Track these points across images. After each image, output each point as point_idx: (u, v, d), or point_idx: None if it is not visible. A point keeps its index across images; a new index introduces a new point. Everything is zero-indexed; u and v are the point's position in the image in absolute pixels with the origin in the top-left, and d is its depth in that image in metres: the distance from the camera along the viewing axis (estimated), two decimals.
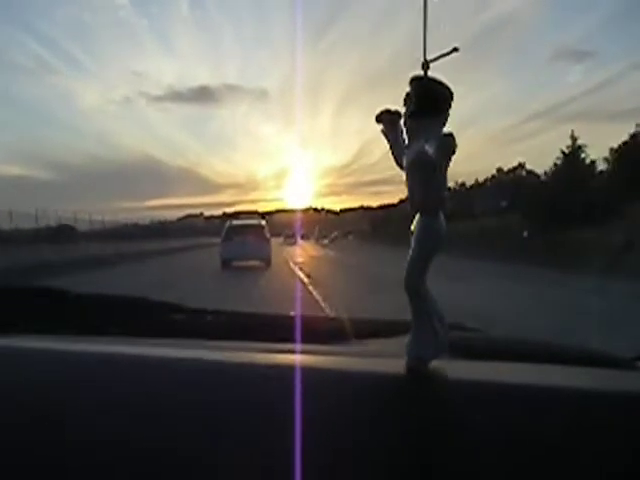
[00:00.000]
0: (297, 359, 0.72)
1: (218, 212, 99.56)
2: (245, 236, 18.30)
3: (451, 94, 0.56)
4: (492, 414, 0.56)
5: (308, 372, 0.62)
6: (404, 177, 0.58)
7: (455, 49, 0.56)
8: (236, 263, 17.89)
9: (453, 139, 0.54)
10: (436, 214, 0.58)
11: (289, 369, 0.63)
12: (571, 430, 0.55)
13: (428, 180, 0.57)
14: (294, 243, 34.90)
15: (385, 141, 0.60)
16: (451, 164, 0.55)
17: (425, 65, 0.56)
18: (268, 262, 18.04)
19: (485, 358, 0.74)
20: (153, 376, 0.66)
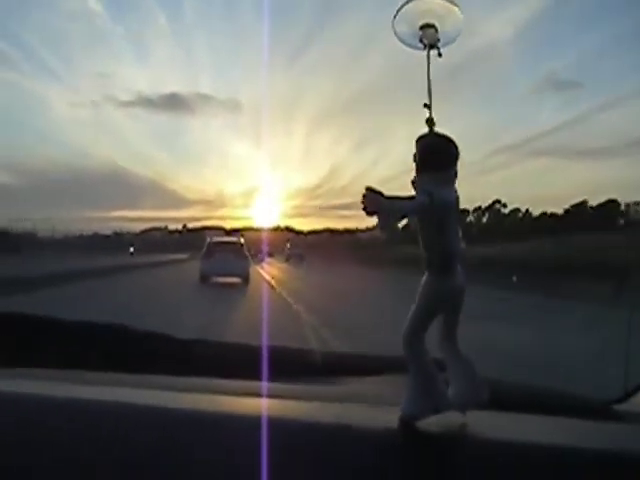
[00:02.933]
0: (265, 407, 0.70)
1: (181, 226, 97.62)
2: (225, 253, 18.31)
3: (457, 149, 0.57)
4: (484, 475, 0.56)
5: (278, 424, 0.60)
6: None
7: (425, 105, 0.57)
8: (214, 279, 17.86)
9: (433, 197, 0.54)
10: (442, 272, 0.57)
11: (256, 420, 0.60)
12: None
13: (427, 236, 0.57)
14: (260, 261, 35.27)
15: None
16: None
17: (430, 122, 0.57)
18: (246, 280, 18.03)
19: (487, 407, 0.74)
20: (106, 424, 0.63)
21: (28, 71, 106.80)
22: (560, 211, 56.05)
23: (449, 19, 0.58)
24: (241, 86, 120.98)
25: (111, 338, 1.02)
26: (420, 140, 0.57)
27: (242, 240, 20.71)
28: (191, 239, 72.85)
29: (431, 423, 0.59)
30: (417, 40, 0.59)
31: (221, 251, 18.50)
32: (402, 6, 0.58)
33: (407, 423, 0.59)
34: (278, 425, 0.60)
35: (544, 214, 57.05)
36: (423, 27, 0.58)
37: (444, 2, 0.58)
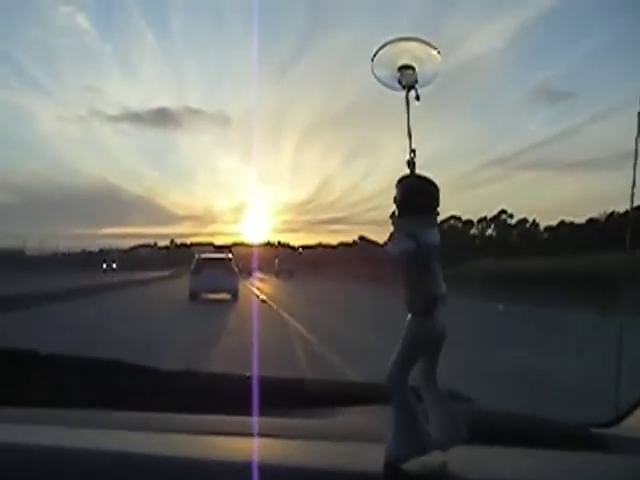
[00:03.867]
0: (256, 448, 0.69)
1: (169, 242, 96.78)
2: (214, 269, 18.25)
3: (437, 191, 0.56)
4: None
5: (269, 468, 0.60)
6: None
7: (411, 150, 0.57)
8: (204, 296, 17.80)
9: (413, 241, 0.54)
10: (425, 314, 0.56)
11: (248, 464, 0.60)
12: None
13: (411, 278, 0.56)
14: (249, 276, 35.33)
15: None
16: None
17: (411, 164, 0.56)
18: (235, 295, 17.98)
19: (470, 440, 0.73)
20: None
21: (16, 86, 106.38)
22: (582, 221, 48.45)
23: (428, 61, 0.58)
24: (230, 100, 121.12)
25: (96, 373, 1.01)
26: (401, 182, 0.57)
27: (230, 256, 20.66)
28: (179, 255, 72.61)
29: (414, 463, 0.58)
30: (395, 81, 0.59)
31: (210, 267, 18.45)
32: (381, 47, 0.58)
33: (392, 465, 0.58)
34: (269, 469, 0.59)
35: (562, 223, 49.61)
36: (401, 68, 0.58)
37: (423, 45, 0.58)
